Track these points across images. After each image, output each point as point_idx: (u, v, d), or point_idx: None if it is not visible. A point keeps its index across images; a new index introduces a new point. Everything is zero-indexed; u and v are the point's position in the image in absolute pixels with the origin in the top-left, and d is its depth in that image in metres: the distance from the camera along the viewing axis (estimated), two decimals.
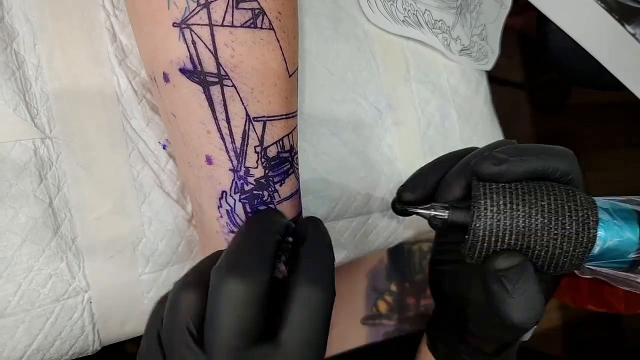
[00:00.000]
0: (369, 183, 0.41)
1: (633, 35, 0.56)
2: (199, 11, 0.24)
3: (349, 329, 0.54)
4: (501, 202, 0.25)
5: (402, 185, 0.30)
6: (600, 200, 0.27)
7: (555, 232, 0.25)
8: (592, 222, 0.25)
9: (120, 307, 0.33)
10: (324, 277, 0.24)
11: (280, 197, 0.29)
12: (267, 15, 0.25)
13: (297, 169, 0.30)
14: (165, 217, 0.34)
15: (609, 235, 0.25)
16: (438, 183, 0.29)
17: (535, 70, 1.26)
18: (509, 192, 0.26)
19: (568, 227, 0.25)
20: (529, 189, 0.26)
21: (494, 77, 0.56)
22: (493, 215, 0.25)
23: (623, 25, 0.55)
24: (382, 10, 0.41)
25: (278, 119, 0.27)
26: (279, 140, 0.28)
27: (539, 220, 0.25)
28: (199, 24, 0.24)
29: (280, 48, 0.26)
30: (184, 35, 0.25)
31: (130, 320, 0.34)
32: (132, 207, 0.32)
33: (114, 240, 0.32)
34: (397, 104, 0.43)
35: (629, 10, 0.55)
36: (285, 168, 0.29)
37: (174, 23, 0.25)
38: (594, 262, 0.26)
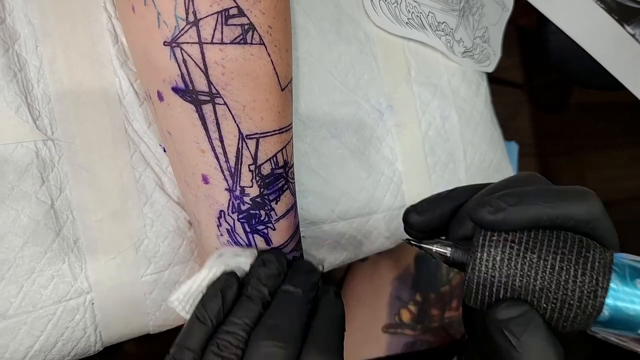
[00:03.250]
0: (369, 184, 0.41)
1: (633, 35, 0.56)
2: (188, 29, 0.24)
3: (369, 336, 0.53)
4: (498, 258, 0.23)
5: (410, 206, 0.28)
6: (620, 259, 0.23)
7: (555, 297, 0.22)
8: (600, 290, 0.22)
9: (122, 309, 0.33)
10: (334, 347, 0.24)
11: (277, 215, 0.29)
12: (257, 31, 0.25)
13: (293, 183, 0.30)
14: (167, 218, 0.34)
15: (620, 305, 0.22)
16: (450, 214, 0.27)
17: (535, 70, 1.26)
18: (510, 246, 0.23)
19: (570, 294, 0.22)
20: (533, 243, 0.23)
21: (494, 77, 0.56)
22: (487, 271, 0.23)
23: (623, 26, 0.55)
24: (386, 13, 0.42)
25: (271, 135, 0.27)
26: (272, 157, 0.28)
27: (537, 282, 0.23)
28: (189, 43, 0.24)
29: (272, 62, 0.26)
30: (174, 54, 0.24)
31: (132, 321, 0.34)
32: (134, 208, 0.33)
33: (116, 242, 0.32)
34: (398, 105, 0.43)
35: (628, 10, 0.55)
36: (280, 184, 0.28)
37: (164, 42, 0.24)
38: (602, 328, 0.23)
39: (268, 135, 0.27)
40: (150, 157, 0.33)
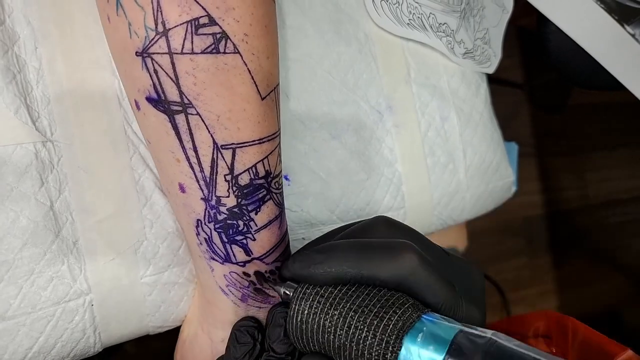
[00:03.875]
0: (369, 185, 0.41)
1: (632, 35, 0.56)
2: (158, 39, 0.24)
3: None
4: (306, 312, 0.24)
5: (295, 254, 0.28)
6: (428, 320, 0.23)
7: (351, 356, 0.23)
8: (389, 354, 0.22)
9: (121, 310, 0.33)
10: None
11: (257, 225, 0.28)
12: (230, 39, 0.24)
13: (277, 193, 0.29)
14: (167, 219, 0.34)
15: None
16: None
17: (535, 70, 1.26)
18: (318, 300, 0.24)
19: (362, 355, 0.22)
20: (340, 299, 0.24)
21: (494, 78, 0.56)
22: (297, 323, 0.24)
23: (622, 26, 0.55)
24: (387, 13, 0.42)
25: (250, 145, 0.26)
26: (251, 167, 0.27)
27: (336, 339, 0.23)
28: (159, 53, 0.24)
29: (249, 71, 0.25)
30: (146, 65, 0.24)
31: (132, 322, 0.34)
32: (133, 210, 0.33)
33: (116, 243, 0.32)
34: (397, 106, 0.43)
35: (628, 10, 0.55)
36: (260, 195, 0.28)
37: (136, 52, 0.24)
38: None
39: (246, 146, 0.26)
40: (149, 158, 0.33)
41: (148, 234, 0.33)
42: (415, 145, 0.44)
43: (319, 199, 0.39)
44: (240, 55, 0.25)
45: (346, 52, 0.40)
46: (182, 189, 0.27)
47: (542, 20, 0.57)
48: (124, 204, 0.32)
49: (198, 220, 0.28)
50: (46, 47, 0.30)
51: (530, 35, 1.19)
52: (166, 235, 0.34)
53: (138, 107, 0.26)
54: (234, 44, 0.24)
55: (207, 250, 0.29)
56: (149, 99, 0.25)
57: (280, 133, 0.29)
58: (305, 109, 0.38)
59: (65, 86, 0.31)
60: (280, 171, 0.29)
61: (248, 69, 0.25)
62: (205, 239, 0.28)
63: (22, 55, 0.30)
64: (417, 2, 0.43)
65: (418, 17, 0.43)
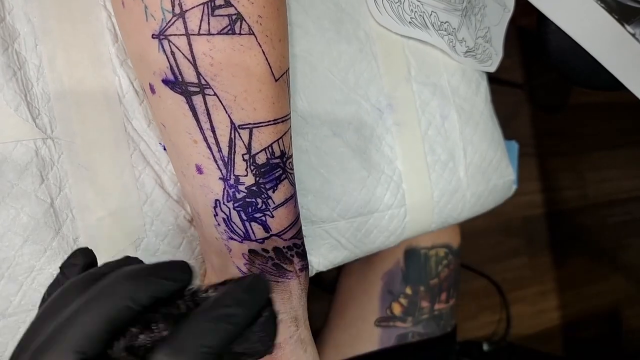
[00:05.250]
0: (370, 183, 0.41)
1: (633, 35, 0.56)
2: (175, 21, 0.24)
3: (363, 330, 0.54)
4: None
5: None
6: None
7: None
8: None
9: None
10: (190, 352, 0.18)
11: (274, 203, 0.29)
12: (245, 20, 0.24)
13: (292, 173, 0.30)
14: (167, 217, 0.34)
15: None
16: None
17: (535, 70, 1.26)
18: None
19: None
20: None
21: (494, 77, 0.56)
22: None
23: (623, 25, 0.55)
24: (389, 12, 0.42)
25: (265, 125, 0.27)
26: (267, 147, 0.27)
27: None
28: (176, 34, 0.24)
29: (263, 52, 0.26)
30: (163, 47, 0.24)
31: None
32: (133, 207, 0.33)
33: (116, 240, 0.32)
34: (398, 104, 0.43)
35: (628, 10, 0.55)
36: (277, 174, 0.28)
37: (152, 35, 0.24)
38: None
39: (262, 126, 0.27)
40: (149, 155, 0.33)
41: (148, 231, 0.33)
42: (415, 143, 0.44)
43: (319, 196, 0.39)
44: (255, 37, 0.25)
45: (347, 51, 0.40)
46: (199, 170, 0.27)
47: (542, 20, 0.57)
48: (125, 201, 0.32)
49: (216, 200, 0.28)
50: (46, 44, 0.30)
51: (530, 35, 1.19)
52: (166, 232, 0.34)
53: (153, 91, 0.26)
54: (248, 25, 0.25)
55: (225, 230, 0.29)
56: (165, 81, 0.25)
57: (291, 116, 0.29)
58: (307, 106, 0.38)
59: (66, 83, 0.31)
60: (292, 153, 0.30)
61: (262, 50, 0.26)
62: (223, 218, 0.28)
63: (22, 52, 0.30)
64: (419, 1, 0.43)
65: (420, 15, 0.43)
